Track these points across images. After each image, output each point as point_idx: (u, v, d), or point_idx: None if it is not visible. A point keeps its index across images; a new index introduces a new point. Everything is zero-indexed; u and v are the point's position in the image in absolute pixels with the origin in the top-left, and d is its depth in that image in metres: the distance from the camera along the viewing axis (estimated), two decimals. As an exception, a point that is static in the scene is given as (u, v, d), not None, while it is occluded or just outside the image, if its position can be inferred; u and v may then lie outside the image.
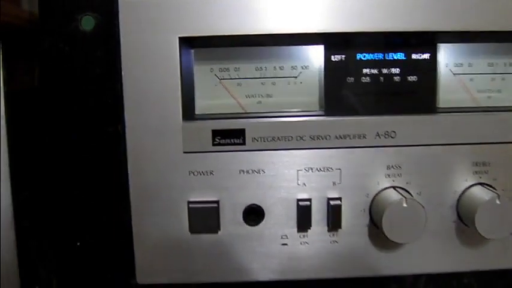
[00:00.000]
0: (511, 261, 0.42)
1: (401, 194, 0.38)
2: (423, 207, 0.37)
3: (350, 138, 0.39)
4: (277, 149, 0.39)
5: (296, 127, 0.39)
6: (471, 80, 0.42)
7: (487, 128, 0.40)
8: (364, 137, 0.39)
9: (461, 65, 0.42)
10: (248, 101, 0.41)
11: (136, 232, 0.40)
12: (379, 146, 0.39)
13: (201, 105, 0.41)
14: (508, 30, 0.39)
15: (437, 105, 0.41)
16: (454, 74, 0.42)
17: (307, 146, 0.39)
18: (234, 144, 0.39)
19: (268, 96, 0.41)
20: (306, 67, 0.41)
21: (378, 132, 0.39)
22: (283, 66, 0.41)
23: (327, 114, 0.40)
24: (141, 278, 0.40)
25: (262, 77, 0.41)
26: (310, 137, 0.39)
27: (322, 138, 0.39)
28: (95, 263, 0.40)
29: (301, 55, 0.41)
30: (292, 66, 0.41)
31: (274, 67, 0.41)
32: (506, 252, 0.41)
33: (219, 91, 0.41)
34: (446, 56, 0.42)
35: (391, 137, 0.39)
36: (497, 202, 0.38)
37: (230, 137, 0.38)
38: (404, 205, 0.37)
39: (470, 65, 0.42)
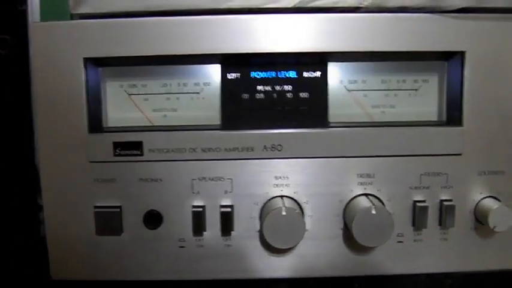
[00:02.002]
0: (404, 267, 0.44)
1: (284, 203, 0.41)
2: (302, 217, 0.40)
3: (239, 151, 0.42)
4: (173, 160, 0.42)
5: (189, 140, 0.42)
6: (365, 96, 0.45)
7: (374, 141, 0.43)
8: (252, 149, 0.42)
9: (355, 81, 0.45)
10: (155, 115, 0.45)
11: (50, 234, 0.44)
12: (266, 158, 0.42)
13: (113, 118, 0.45)
14: (400, 51, 0.42)
15: (328, 120, 0.44)
16: (348, 90, 0.45)
17: (200, 158, 0.42)
18: (133, 155, 0.42)
19: (173, 110, 0.45)
20: (207, 84, 0.45)
21: (265, 145, 0.42)
22: (186, 83, 0.45)
23: (223, 128, 0.43)
24: (55, 274, 0.45)
25: (167, 92, 0.45)
26: (202, 149, 0.42)
27: (213, 151, 0.42)
28: (14, 260, 0.45)
29: (202, 73, 0.44)
30: (195, 83, 0.45)
31: (179, 84, 0.45)
32: (390, 258, 0.44)
33: (128, 105, 0.45)
34: (339, 73, 0.44)
35: (278, 150, 0.42)
36: (373, 212, 0.40)
37: (129, 149, 0.42)
38: (283, 213, 0.40)
39: (364, 81, 0.45)
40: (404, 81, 0.45)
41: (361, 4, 0.41)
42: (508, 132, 0.43)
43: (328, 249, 0.44)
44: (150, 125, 0.45)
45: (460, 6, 0.41)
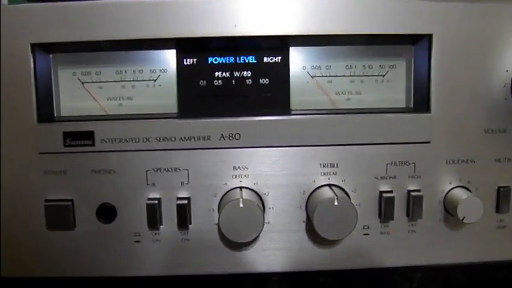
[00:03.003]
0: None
1: (242, 195, 0.39)
2: (261, 209, 0.38)
3: (195, 140, 0.40)
4: (126, 150, 0.40)
5: (143, 129, 0.40)
6: (329, 82, 0.43)
7: (338, 129, 0.41)
8: (208, 138, 0.40)
9: (319, 67, 0.43)
10: (110, 104, 0.43)
11: (2, 229, 0.42)
12: (223, 148, 0.40)
13: (67, 107, 0.43)
14: (364, 34, 0.40)
15: (290, 108, 0.42)
16: (311, 76, 0.43)
17: (155, 148, 0.40)
18: (84, 145, 0.40)
19: (129, 98, 0.43)
20: (164, 70, 0.43)
21: (222, 134, 0.40)
22: (142, 70, 0.43)
23: (179, 117, 0.41)
24: (5, 271, 0.42)
25: (122, 80, 0.43)
26: (156, 139, 0.40)
27: (168, 140, 0.40)
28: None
29: (159, 59, 0.42)
30: (151, 70, 0.43)
31: (134, 71, 0.43)
32: (357, 251, 0.42)
33: (82, 94, 0.43)
34: (302, 58, 0.42)
35: (236, 139, 0.40)
36: (335, 203, 0.38)
37: (80, 139, 0.40)
38: (241, 205, 0.38)
39: (328, 67, 0.43)
40: (370, 66, 0.43)
41: (321, -15, 0.39)
42: (478, 118, 0.40)
43: (291, 242, 0.42)
44: (105, 114, 0.42)
45: (425, -13, 0.39)
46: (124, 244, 0.42)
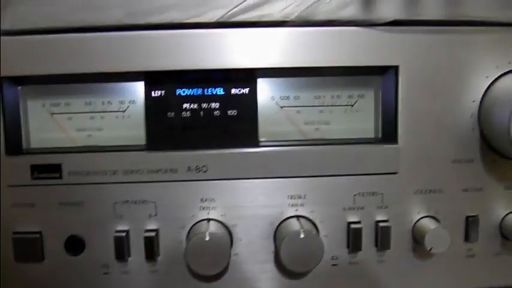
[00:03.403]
0: None
1: (208, 228, 0.39)
2: (227, 242, 0.39)
3: (162, 173, 0.40)
4: (94, 183, 0.40)
5: (110, 162, 0.40)
6: (298, 112, 0.43)
7: (306, 160, 0.41)
8: (175, 171, 0.40)
9: (288, 97, 0.43)
10: (79, 135, 0.43)
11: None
12: (190, 180, 0.40)
13: (36, 139, 0.43)
14: (332, 66, 0.40)
15: (258, 139, 0.42)
16: (280, 107, 0.43)
17: (123, 180, 0.40)
18: (52, 178, 0.40)
19: (98, 130, 0.43)
20: (133, 102, 0.43)
21: (189, 167, 0.40)
22: (111, 101, 0.43)
23: (147, 149, 0.41)
24: (-26, 304, 0.42)
25: (91, 111, 0.43)
26: (123, 172, 0.40)
27: (136, 172, 0.40)
28: None
29: (127, 90, 0.42)
30: (120, 101, 0.43)
31: (103, 102, 0.43)
32: (325, 282, 0.42)
33: (51, 125, 0.43)
34: (270, 89, 0.42)
35: (203, 171, 0.40)
36: (301, 236, 0.38)
37: (47, 172, 0.40)
38: (207, 239, 0.38)
39: (296, 97, 0.43)
40: (339, 96, 0.43)
41: (287, 18, 0.39)
42: (445, 149, 0.41)
43: (260, 273, 0.42)
44: (74, 145, 0.42)
45: (391, 19, 0.39)
46: (93, 276, 0.42)
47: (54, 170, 0.40)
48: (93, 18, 0.40)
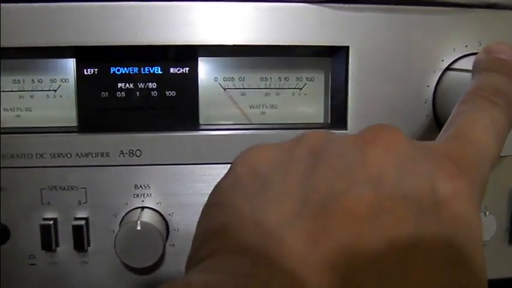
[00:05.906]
0: None
1: (140, 217, 0.36)
2: (160, 233, 0.36)
3: (93, 157, 0.37)
4: (19, 167, 0.37)
5: (36, 144, 0.37)
6: (243, 94, 0.40)
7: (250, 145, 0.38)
8: (107, 155, 0.37)
9: (232, 78, 0.40)
10: (7, 114, 0.40)
11: None
12: (122, 165, 0.37)
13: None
14: (279, 45, 0.37)
15: (199, 122, 0.39)
16: (223, 88, 0.40)
17: (49, 164, 0.37)
18: (-28, 161, 0.37)
19: (28, 110, 0.40)
20: (65, 80, 0.40)
21: (121, 151, 0.37)
22: (41, 79, 0.39)
23: (79, 131, 0.38)
24: None
25: (20, 90, 0.39)
26: (51, 155, 0.37)
27: (64, 156, 0.37)
28: None
29: (59, 68, 0.39)
30: (51, 79, 0.40)
31: (33, 80, 0.39)
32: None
33: (-23, 104, 0.39)
34: (213, 69, 0.40)
35: (137, 156, 0.37)
36: (138, 228, 0.36)
37: (-33, 154, 0.37)
38: (138, 228, 0.35)
39: (241, 78, 0.40)
40: (286, 78, 0.40)
41: (230, -8, 0.36)
42: (396, 136, 0.38)
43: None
44: (2, 126, 0.39)
45: (340, -4, 0.36)
46: (18, 267, 0.39)
47: (-25, 152, 0.37)
48: (21, -11, 0.36)
